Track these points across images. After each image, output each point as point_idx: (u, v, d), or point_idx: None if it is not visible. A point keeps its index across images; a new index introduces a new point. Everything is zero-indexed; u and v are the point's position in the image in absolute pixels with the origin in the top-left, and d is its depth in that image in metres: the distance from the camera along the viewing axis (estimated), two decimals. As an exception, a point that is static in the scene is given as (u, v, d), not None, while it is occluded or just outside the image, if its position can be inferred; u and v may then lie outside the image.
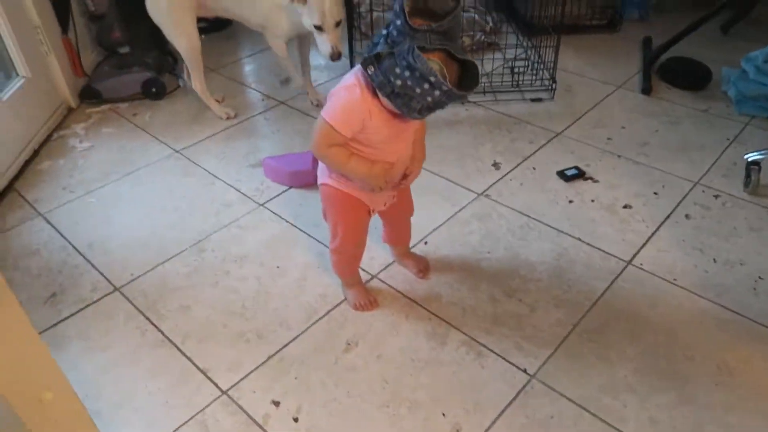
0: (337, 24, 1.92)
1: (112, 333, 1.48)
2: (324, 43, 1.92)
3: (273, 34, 2.17)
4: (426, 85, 1.03)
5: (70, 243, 1.75)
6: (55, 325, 1.50)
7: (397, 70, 1.03)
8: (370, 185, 1.25)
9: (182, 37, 2.15)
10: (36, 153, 2.14)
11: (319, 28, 1.90)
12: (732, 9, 2.75)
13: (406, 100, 1.07)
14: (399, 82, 1.04)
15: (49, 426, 0.48)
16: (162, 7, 2.08)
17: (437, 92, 1.04)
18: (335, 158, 1.22)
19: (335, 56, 1.94)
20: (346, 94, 1.14)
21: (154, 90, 2.44)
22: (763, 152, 1.85)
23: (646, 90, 2.40)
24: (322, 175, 1.34)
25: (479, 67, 1.09)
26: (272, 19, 2.10)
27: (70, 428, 0.50)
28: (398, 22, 1.07)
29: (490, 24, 2.82)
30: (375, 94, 1.12)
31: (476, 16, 2.79)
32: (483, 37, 2.76)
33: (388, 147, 1.23)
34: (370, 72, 1.07)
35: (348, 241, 1.41)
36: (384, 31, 1.12)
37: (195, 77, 2.26)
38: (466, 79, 1.08)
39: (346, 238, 1.40)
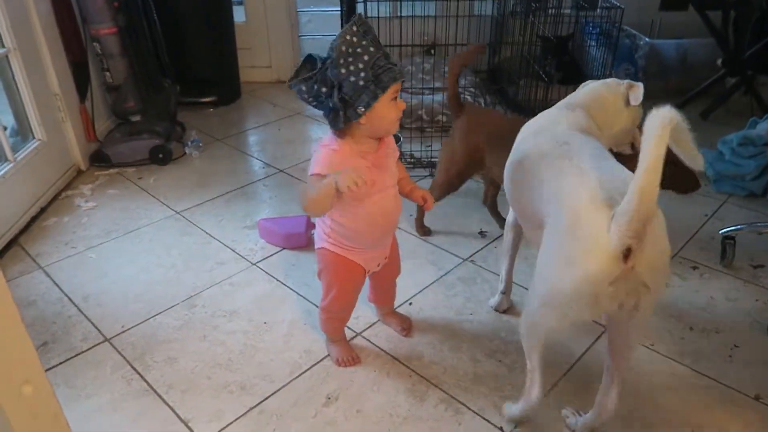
0: None
1: (98, 382, 1.50)
2: None
3: None
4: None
5: (66, 295, 1.81)
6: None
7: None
8: (344, 184, 1.15)
9: None
10: (42, 210, 2.24)
11: None
12: (710, 97, 2.94)
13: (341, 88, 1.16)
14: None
15: (26, 418, 0.52)
16: None
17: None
18: (314, 195, 1.23)
19: None
20: (321, 150, 1.26)
21: (160, 156, 2.57)
22: (737, 227, 1.93)
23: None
24: (320, 239, 1.40)
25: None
26: None
27: (45, 424, 0.54)
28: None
29: (483, 105, 2.99)
30: (352, 145, 1.24)
31: (469, 97, 2.97)
32: (475, 116, 2.92)
33: (374, 197, 1.30)
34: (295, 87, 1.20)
35: (338, 302, 1.47)
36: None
37: None
38: None
39: (338, 299, 1.46)
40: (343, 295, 1.46)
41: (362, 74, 1.15)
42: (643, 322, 1.13)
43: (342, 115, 1.19)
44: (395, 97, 1.21)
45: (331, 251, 1.38)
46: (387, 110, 1.21)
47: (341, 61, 1.15)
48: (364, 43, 1.15)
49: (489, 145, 1.84)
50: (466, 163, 1.91)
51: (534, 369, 1.25)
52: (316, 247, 1.42)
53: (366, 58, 1.15)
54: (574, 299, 1.05)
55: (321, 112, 1.24)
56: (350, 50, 1.14)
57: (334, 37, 1.16)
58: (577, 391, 1.45)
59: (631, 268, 1.00)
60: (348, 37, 1.14)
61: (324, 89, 1.18)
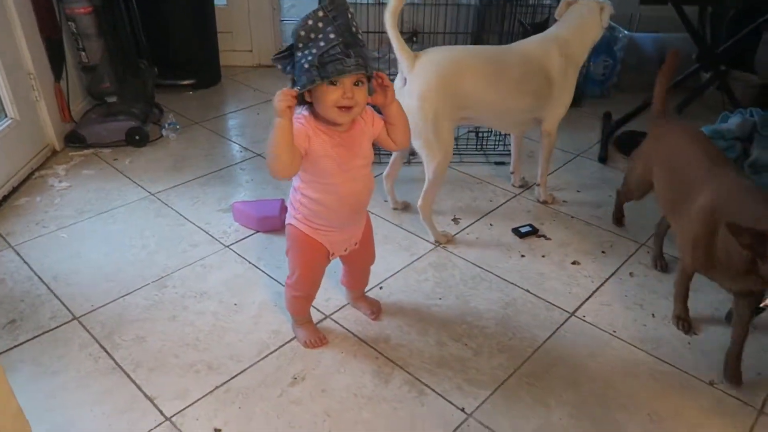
0: None
1: (65, 359, 1.50)
2: None
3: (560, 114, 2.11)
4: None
5: (36, 274, 1.80)
6: (10, 349, 1.53)
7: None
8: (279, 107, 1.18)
9: (440, 151, 1.84)
10: (15, 190, 2.22)
11: None
12: (685, 91, 2.97)
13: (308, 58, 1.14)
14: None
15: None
16: (428, 115, 1.79)
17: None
18: (268, 143, 1.24)
19: None
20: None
21: (137, 138, 2.55)
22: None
23: (603, 159, 2.56)
24: (289, 216, 1.42)
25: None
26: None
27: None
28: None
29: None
30: (316, 120, 1.25)
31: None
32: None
33: (340, 178, 1.30)
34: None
35: (303, 280, 1.48)
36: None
37: (428, 195, 1.93)
38: None
39: (303, 276, 1.47)
40: (308, 274, 1.47)
41: (309, 58, 1.14)
42: None
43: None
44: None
45: (299, 229, 1.39)
46: (326, 95, 1.18)
47: (299, 45, 1.16)
48: (328, 29, 1.13)
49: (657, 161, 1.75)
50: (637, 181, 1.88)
51: None
52: (286, 223, 1.44)
53: (322, 44, 1.13)
54: None
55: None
56: (309, 34, 1.14)
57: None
58: (538, 374, 1.48)
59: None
60: (310, 22, 1.14)
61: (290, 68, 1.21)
